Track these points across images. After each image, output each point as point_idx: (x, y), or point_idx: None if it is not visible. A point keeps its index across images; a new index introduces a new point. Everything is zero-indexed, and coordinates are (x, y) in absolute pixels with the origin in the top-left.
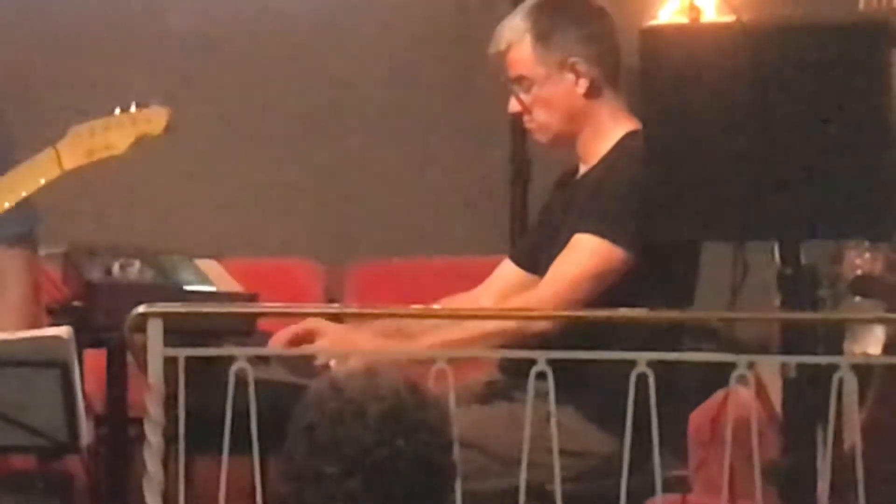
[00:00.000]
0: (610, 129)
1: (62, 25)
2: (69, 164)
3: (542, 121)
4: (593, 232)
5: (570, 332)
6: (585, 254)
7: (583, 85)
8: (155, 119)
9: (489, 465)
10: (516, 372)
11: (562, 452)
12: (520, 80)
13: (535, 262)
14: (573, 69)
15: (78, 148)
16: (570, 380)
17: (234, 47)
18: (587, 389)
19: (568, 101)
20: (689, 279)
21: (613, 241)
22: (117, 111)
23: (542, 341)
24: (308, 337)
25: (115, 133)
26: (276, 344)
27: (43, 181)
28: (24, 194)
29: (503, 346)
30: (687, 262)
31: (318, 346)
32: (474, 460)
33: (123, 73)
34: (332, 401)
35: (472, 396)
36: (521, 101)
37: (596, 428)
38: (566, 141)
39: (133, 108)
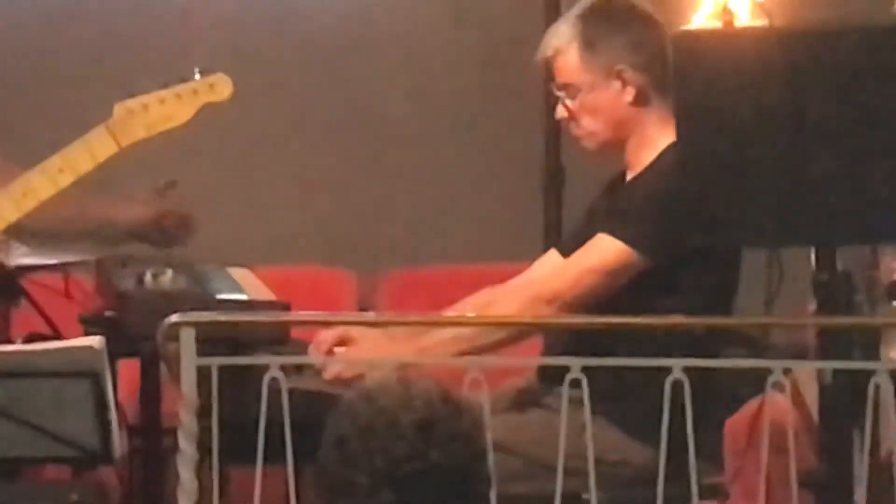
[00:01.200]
0: (657, 137)
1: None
2: (126, 140)
3: (589, 128)
4: (611, 232)
5: (591, 341)
6: (598, 250)
7: (630, 93)
8: (218, 86)
9: (524, 471)
10: (552, 378)
11: (597, 461)
12: (567, 87)
13: None
14: (620, 77)
15: (133, 123)
16: (603, 388)
17: (266, 57)
18: (620, 397)
19: (614, 108)
20: (726, 287)
21: (628, 242)
22: (179, 83)
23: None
24: (341, 343)
25: (175, 104)
26: (314, 353)
27: (101, 160)
28: (79, 173)
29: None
30: (723, 271)
31: (351, 356)
32: (510, 465)
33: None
34: (364, 412)
35: (507, 403)
36: (567, 108)
37: (629, 437)
38: (613, 148)
39: (197, 76)
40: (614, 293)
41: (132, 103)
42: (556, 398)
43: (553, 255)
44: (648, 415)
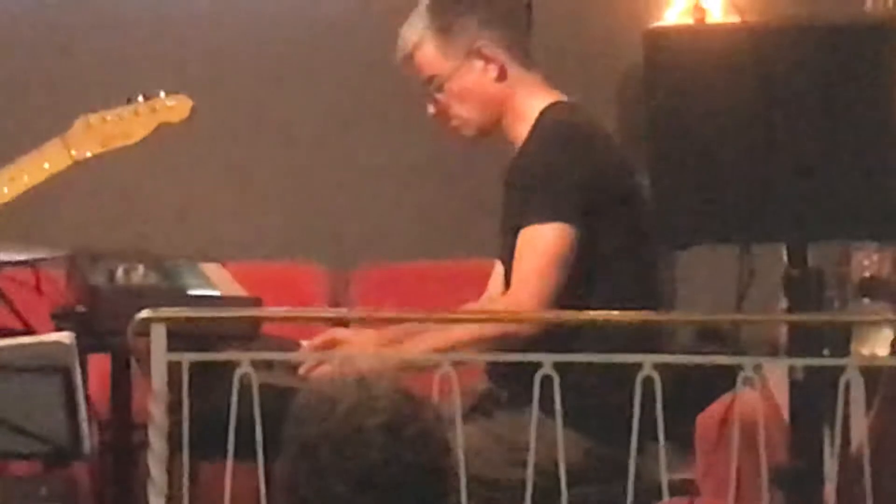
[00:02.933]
0: (528, 107)
1: (69, 20)
2: (80, 152)
3: (462, 115)
4: (535, 221)
5: (552, 332)
6: (539, 243)
7: (493, 69)
8: (177, 107)
9: (490, 473)
10: (506, 380)
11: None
12: (431, 79)
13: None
14: (481, 55)
15: (89, 137)
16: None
17: (241, 54)
18: (578, 395)
19: (481, 88)
20: (646, 263)
21: (557, 220)
22: (140, 98)
23: (529, 345)
24: (331, 346)
25: (132, 121)
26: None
27: (51, 171)
28: (28, 184)
29: (490, 350)
30: (639, 247)
31: (326, 354)
32: (476, 468)
33: (131, 71)
34: (329, 417)
35: (466, 409)
36: (437, 103)
37: (580, 434)
38: (490, 130)
39: (141, 98)
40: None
41: (93, 117)
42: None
43: (498, 266)
44: (600, 408)
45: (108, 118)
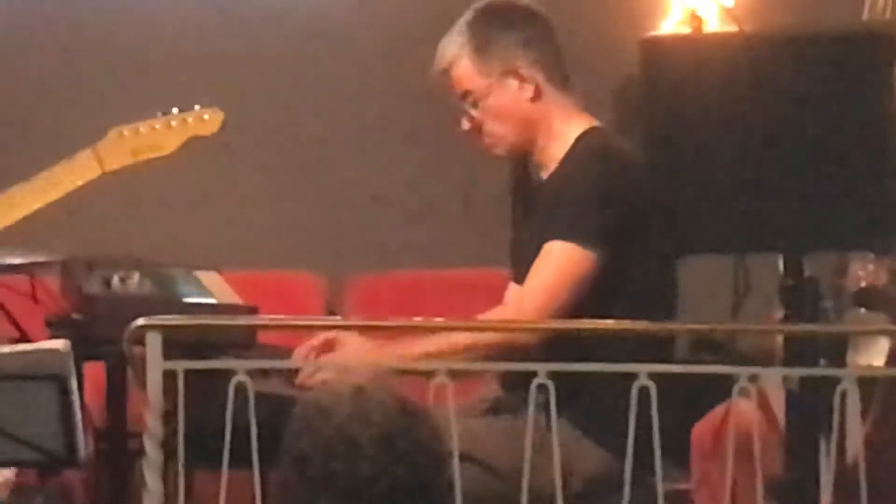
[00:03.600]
0: (564, 130)
1: (95, 31)
2: (111, 164)
3: (496, 133)
4: (561, 238)
5: (556, 344)
6: (558, 261)
7: (528, 89)
8: (209, 121)
9: (488, 479)
10: (515, 387)
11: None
12: (466, 95)
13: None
14: (517, 75)
15: (120, 148)
16: (566, 393)
17: (237, 62)
18: (583, 402)
19: (516, 107)
20: (665, 289)
21: (581, 243)
22: (175, 111)
23: (527, 355)
24: (327, 348)
25: (164, 133)
26: (297, 358)
27: (81, 182)
28: (59, 194)
29: (490, 359)
30: (661, 272)
31: (323, 360)
32: (474, 475)
33: (144, 84)
34: (322, 429)
35: (474, 413)
36: (471, 118)
37: (592, 443)
38: (523, 149)
39: (175, 111)
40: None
41: (126, 128)
42: (525, 407)
43: (513, 287)
44: (607, 416)
45: (141, 129)
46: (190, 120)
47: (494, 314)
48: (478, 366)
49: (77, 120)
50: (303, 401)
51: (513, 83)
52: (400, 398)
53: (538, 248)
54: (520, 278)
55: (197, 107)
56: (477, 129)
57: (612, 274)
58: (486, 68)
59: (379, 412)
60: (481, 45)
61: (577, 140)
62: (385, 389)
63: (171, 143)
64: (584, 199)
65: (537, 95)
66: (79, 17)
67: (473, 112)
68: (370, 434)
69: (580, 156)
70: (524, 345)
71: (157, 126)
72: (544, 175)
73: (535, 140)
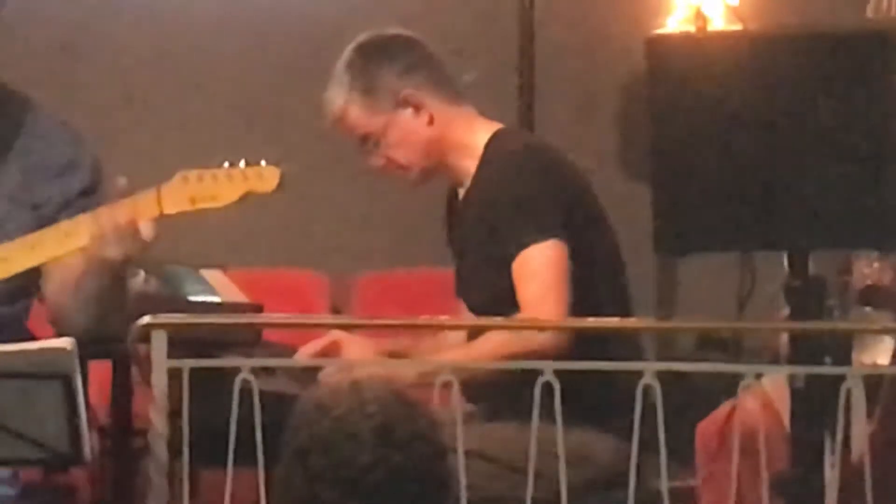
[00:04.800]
0: (470, 141)
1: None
2: (170, 208)
3: (403, 163)
4: (527, 244)
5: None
6: (538, 264)
7: (424, 114)
8: (267, 177)
9: (492, 473)
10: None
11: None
12: (366, 138)
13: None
14: (408, 103)
15: (182, 193)
16: (573, 392)
17: (252, 66)
18: (590, 400)
19: (417, 134)
20: (612, 254)
21: (545, 238)
22: (242, 164)
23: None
24: (332, 349)
25: (225, 185)
26: (302, 357)
27: (143, 219)
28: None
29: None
30: (601, 239)
31: (326, 359)
32: (477, 468)
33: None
34: (321, 422)
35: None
36: (377, 158)
37: (598, 438)
38: (435, 171)
39: (242, 164)
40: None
41: (192, 173)
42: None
43: (463, 307)
44: (614, 414)
45: (204, 178)
46: (249, 175)
47: (500, 338)
48: (484, 364)
49: (148, 159)
50: (302, 397)
51: (406, 112)
52: (395, 391)
53: (474, 260)
54: (466, 296)
55: (263, 162)
56: (387, 164)
57: (578, 260)
58: (377, 106)
59: (376, 404)
60: (366, 85)
61: (486, 146)
62: (381, 383)
63: (228, 196)
64: (528, 199)
65: (432, 118)
66: (160, 66)
67: (377, 152)
68: (368, 425)
69: (495, 161)
70: (543, 353)
71: (219, 176)
72: (463, 190)
73: (447, 159)
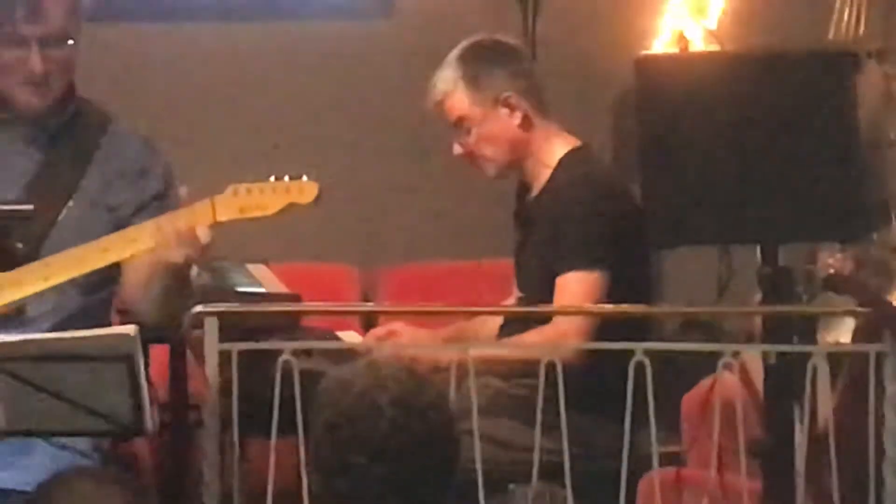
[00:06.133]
0: (548, 152)
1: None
2: (222, 216)
3: (487, 156)
4: (572, 269)
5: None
6: (576, 290)
7: (517, 117)
8: (306, 191)
9: (497, 452)
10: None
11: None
12: (460, 122)
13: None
14: (507, 103)
15: (233, 203)
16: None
17: (282, 67)
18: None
19: (507, 133)
20: (644, 284)
21: (590, 268)
22: (287, 178)
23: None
24: (390, 335)
25: (270, 196)
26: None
27: (194, 222)
28: (210, 223)
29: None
30: (639, 270)
31: (357, 341)
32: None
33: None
34: (343, 397)
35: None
36: (464, 144)
37: (590, 416)
38: (512, 170)
39: (286, 178)
40: None
41: (241, 186)
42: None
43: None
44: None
45: (252, 190)
46: (291, 188)
47: (535, 334)
48: (498, 348)
49: (201, 174)
50: (324, 377)
51: (504, 111)
52: (408, 367)
53: (531, 256)
54: (519, 281)
55: (305, 177)
56: (469, 153)
57: (615, 280)
58: (480, 98)
59: (392, 379)
60: (473, 79)
61: (560, 161)
62: (394, 361)
63: (273, 206)
64: (578, 224)
65: (525, 122)
66: (216, 93)
67: (466, 138)
68: (387, 397)
69: (565, 181)
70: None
71: (266, 189)
72: (533, 193)
73: (524, 162)
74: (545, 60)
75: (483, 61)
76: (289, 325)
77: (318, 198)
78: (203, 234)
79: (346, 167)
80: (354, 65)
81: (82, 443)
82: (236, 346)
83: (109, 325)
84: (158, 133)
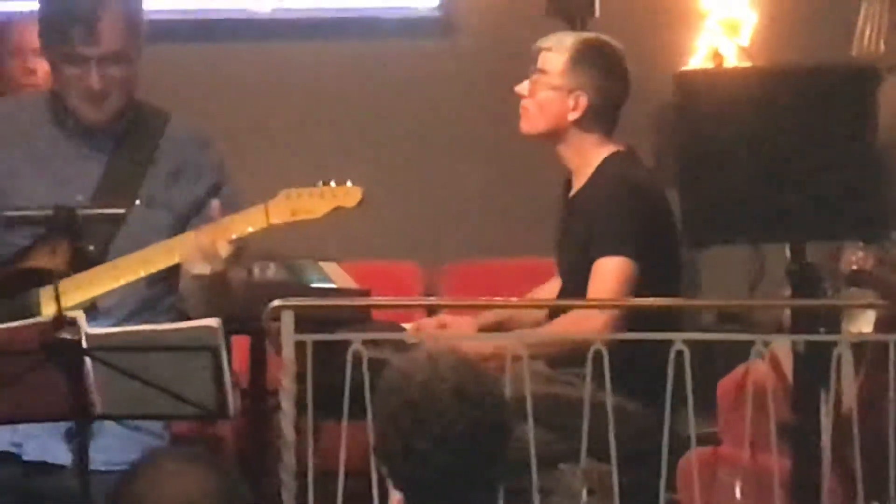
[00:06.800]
0: (593, 152)
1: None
2: (275, 219)
3: (531, 115)
4: (608, 254)
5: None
6: (611, 274)
7: (576, 114)
8: (351, 195)
9: (547, 436)
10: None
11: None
12: (542, 71)
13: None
14: (577, 100)
15: (284, 207)
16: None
17: (353, 82)
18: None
19: (558, 116)
20: (674, 277)
21: (624, 254)
22: (333, 183)
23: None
24: (440, 326)
25: (318, 200)
26: (415, 332)
27: (251, 230)
28: (233, 237)
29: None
30: (669, 264)
31: (419, 333)
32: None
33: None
34: (406, 388)
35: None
36: (528, 89)
37: (632, 400)
38: (544, 141)
39: (333, 184)
40: None
41: (293, 191)
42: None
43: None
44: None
45: (302, 195)
46: (337, 193)
47: (568, 319)
48: (548, 337)
49: (254, 181)
50: (387, 369)
51: (570, 101)
52: (464, 359)
53: (571, 247)
54: (560, 268)
55: (349, 183)
56: (525, 98)
57: (645, 271)
58: (567, 76)
59: (449, 370)
60: (575, 62)
61: (603, 162)
62: (451, 353)
63: (321, 209)
64: (614, 218)
65: (579, 122)
66: (265, 105)
67: (535, 84)
68: (446, 387)
69: (606, 179)
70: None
71: (314, 193)
72: (575, 186)
73: (561, 146)
74: None
75: (592, 59)
76: (359, 317)
77: (361, 201)
78: (223, 249)
79: (411, 173)
80: (418, 77)
81: (153, 425)
82: (311, 337)
83: (172, 316)
84: (236, 147)
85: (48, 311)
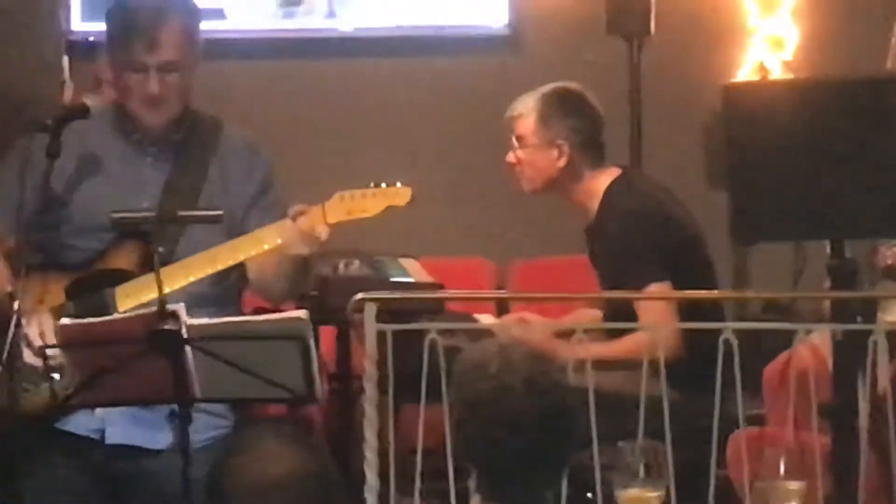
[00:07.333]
0: (593, 186)
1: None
2: (331, 219)
3: (527, 176)
4: (642, 285)
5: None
6: (656, 303)
7: (562, 162)
8: (402, 194)
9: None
10: None
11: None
12: (520, 139)
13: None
14: (559, 150)
15: (340, 207)
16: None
17: (427, 92)
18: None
19: (548, 170)
20: (708, 276)
21: (657, 279)
22: (384, 185)
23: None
24: (519, 321)
25: (371, 200)
26: (500, 327)
27: (307, 227)
28: (331, 222)
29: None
30: (696, 266)
31: (492, 323)
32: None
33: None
34: (480, 379)
35: None
36: (515, 156)
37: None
38: (546, 193)
39: (384, 185)
40: None
41: (347, 192)
42: None
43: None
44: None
45: (356, 196)
46: (388, 193)
47: (630, 338)
48: (609, 324)
49: (310, 184)
50: (460, 359)
51: (553, 153)
52: (532, 350)
53: (604, 275)
54: (599, 280)
55: (398, 184)
56: (517, 165)
57: (677, 281)
58: (541, 132)
59: (520, 361)
60: (545, 117)
61: (606, 192)
62: (520, 345)
63: (374, 208)
64: (631, 252)
65: (568, 167)
66: (324, 113)
67: (519, 152)
68: (518, 378)
69: (609, 214)
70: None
71: (367, 194)
72: (588, 219)
73: (567, 191)
74: (647, 87)
75: (558, 107)
76: (435, 309)
77: (411, 200)
78: (322, 232)
79: (483, 179)
80: (489, 90)
81: (219, 408)
82: (391, 327)
83: (237, 308)
84: (310, 159)
85: (123, 307)
